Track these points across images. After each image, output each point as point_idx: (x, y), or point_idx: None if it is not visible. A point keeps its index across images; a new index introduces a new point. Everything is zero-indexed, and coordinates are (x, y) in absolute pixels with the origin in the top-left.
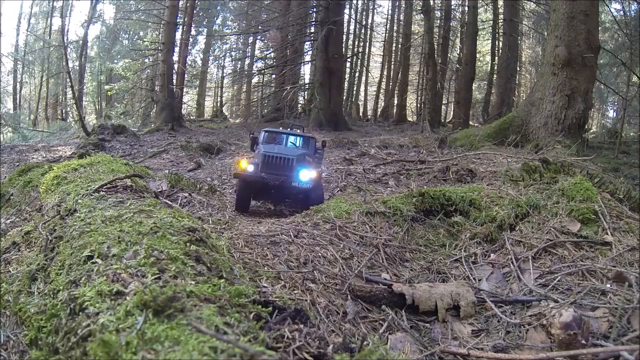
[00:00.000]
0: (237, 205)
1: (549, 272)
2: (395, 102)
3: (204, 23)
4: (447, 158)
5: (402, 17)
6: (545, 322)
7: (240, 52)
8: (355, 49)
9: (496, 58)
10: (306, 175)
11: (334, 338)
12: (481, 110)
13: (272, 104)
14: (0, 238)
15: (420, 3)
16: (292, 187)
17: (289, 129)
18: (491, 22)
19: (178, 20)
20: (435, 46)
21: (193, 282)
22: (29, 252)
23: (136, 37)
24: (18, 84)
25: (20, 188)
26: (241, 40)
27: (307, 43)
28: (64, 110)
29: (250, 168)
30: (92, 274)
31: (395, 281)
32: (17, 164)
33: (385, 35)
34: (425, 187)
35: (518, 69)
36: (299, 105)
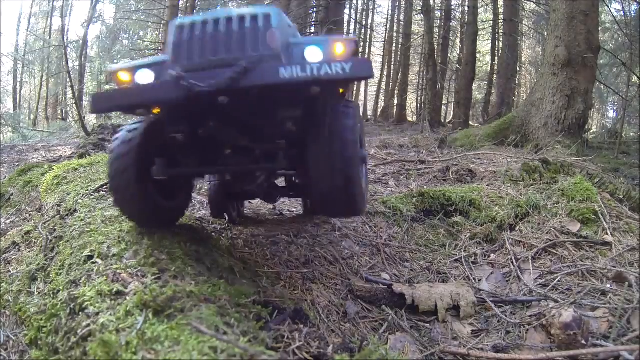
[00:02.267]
0: (120, 204)
1: (549, 272)
2: (395, 102)
3: None
4: (447, 158)
5: (402, 17)
6: (545, 322)
7: None
8: None
9: (496, 58)
10: (319, 52)
11: (334, 338)
12: (481, 110)
13: None
14: (0, 238)
15: (421, 3)
16: (280, 93)
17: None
18: (491, 22)
19: None
20: (436, 46)
21: (193, 282)
22: (29, 252)
23: (136, 37)
24: (18, 83)
25: (20, 188)
26: None
27: None
28: (64, 110)
29: (146, 75)
30: (92, 274)
31: (395, 281)
32: (17, 163)
33: (385, 36)
34: (425, 187)
35: (518, 69)
36: None
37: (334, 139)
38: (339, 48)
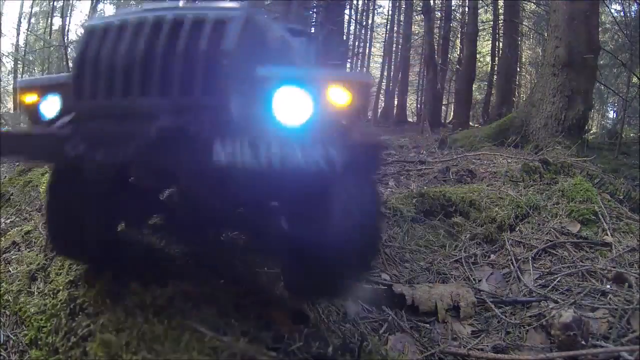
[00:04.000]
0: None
1: (549, 273)
2: (396, 102)
3: None
4: (447, 159)
5: (402, 18)
6: (545, 323)
7: None
8: (356, 50)
9: (496, 59)
10: (304, 104)
11: (334, 338)
12: (481, 110)
13: None
14: (0, 238)
15: (421, 4)
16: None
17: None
18: (491, 22)
19: None
20: (436, 47)
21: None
22: (29, 252)
23: None
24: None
25: (20, 188)
26: None
27: None
28: None
29: (51, 105)
30: (92, 274)
31: (395, 282)
32: (17, 164)
33: (386, 36)
34: (425, 187)
35: (518, 69)
36: None
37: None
38: (338, 96)
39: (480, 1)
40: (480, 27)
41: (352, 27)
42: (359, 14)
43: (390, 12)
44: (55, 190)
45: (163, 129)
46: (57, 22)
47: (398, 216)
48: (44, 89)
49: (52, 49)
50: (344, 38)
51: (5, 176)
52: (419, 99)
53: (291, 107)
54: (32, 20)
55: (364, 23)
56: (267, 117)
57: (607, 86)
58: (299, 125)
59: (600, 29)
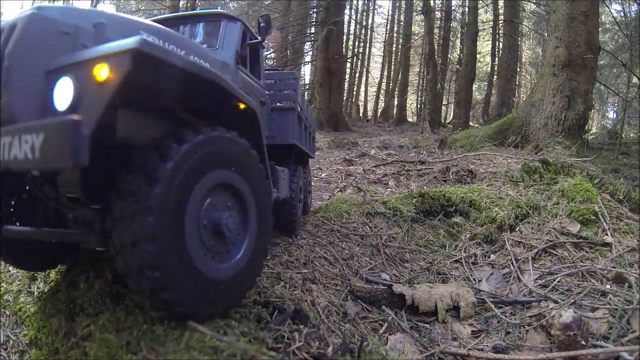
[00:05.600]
0: None
1: (549, 273)
2: (396, 102)
3: None
4: (447, 159)
5: (402, 18)
6: (545, 322)
7: None
8: (356, 50)
9: (496, 59)
10: (71, 88)
11: (334, 338)
12: (481, 111)
13: None
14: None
15: (421, 4)
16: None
17: None
18: (491, 22)
19: None
20: (436, 47)
21: None
22: None
23: None
24: None
25: None
26: None
27: (307, 43)
28: None
29: None
30: (93, 274)
31: (395, 282)
32: None
33: (386, 36)
34: (425, 187)
35: (518, 69)
36: None
37: (129, 205)
38: (104, 73)
39: (480, 1)
40: (480, 27)
41: (352, 27)
42: (359, 14)
43: (390, 12)
44: None
45: None
46: None
47: (398, 216)
48: None
49: None
50: (344, 38)
51: None
52: (419, 99)
53: (63, 94)
54: None
55: (364, 23)
56: (48, 108)
57: (607, 86)
58: (65, 109)
59: (600, 29)
